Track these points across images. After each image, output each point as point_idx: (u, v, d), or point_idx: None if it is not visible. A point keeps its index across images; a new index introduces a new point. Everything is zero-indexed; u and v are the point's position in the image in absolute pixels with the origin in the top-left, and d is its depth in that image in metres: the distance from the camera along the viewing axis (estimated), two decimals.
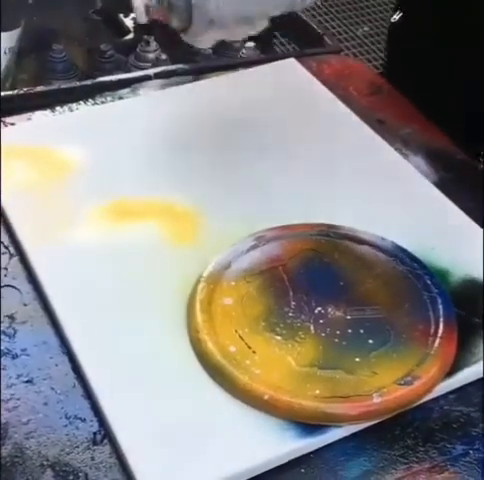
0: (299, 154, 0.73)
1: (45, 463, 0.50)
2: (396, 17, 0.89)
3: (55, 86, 0.87)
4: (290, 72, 0.83)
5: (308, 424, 0.52)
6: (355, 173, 0.71)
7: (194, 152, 0.73)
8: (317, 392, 0.53)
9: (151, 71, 0.87)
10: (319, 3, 2.27)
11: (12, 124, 0.77)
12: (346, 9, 2.26)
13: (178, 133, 0.74)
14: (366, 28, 2.20)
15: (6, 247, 0.65)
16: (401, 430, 0.53)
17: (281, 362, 0.54)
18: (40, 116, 0.78)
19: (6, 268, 0.63)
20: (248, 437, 0.51)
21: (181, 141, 0.74)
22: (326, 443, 0.52)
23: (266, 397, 0.52)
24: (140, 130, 0.75)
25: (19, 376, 0.55)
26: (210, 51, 1.07)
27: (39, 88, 0.84)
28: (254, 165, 0.71)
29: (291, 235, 0.64)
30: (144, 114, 0.77)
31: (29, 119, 0.78)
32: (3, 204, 0.67)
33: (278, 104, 0.78)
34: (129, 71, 0.94)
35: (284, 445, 0.51)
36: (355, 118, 0.77)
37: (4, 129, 0.76)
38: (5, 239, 0.66)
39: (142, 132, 0.75)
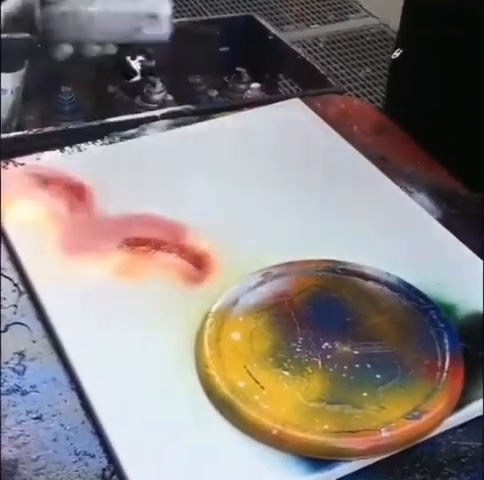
0: (305, 191, 0.74)
1: None
2: (396, 54, 0.91)
3: (64, 127, 0.89)
4: (295, 112, 0.84)
5: (316, 459, 0.52)
6: (360, 209, 0.72)
7: (202, 189, 0.74)
8: (326, 427, 0.53)
9: (157, 112, 0.88)
10: (321, 45, 2.32)
11: (22, 164, 0.78)
12: (348, 51, 2.30)
13: (187, 172, 0.76)
14: (368, 70, 2.24)
15: (15, 285, 0.66)
16: (410, 465, 0.53)
17: (289, 397, 0.55)
18: (49, 156, 0.80)
19: (15, 305, 0.64)
20: (257, 472, 0.51)
21: (190, 179, 0.75)
22: (335, 478, 0.52)
23: (275, 432, 0.52)
24: (148, 169, 0.76)
25: (29, 412, 0.56)
26: (215, 93, 1.10)
27: (48, 129, 0.86)
28: (260, 202, 0.72)
29: (298, 271, 0.65)
30: (152, 154, 0.78)
31: (38, 159, 0.79)
32: (13, 241, 0.68)
33: (284, 142, 0.79)
34: (136, 112, 0.96)
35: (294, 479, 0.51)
36: (360, 156, 0.78)
37: (14, 169, 0.77)
38: (15, 276, 0.66)
39: (150, 171, 0.76)
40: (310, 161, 0.77)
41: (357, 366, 0.57)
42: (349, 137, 0.82)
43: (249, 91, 1.07)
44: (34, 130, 0.85)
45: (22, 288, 0.65)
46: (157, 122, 0.86)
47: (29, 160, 0.79)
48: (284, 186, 0.74)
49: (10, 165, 0.78)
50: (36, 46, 1.00)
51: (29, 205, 0.72)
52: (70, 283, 0.64)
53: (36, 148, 0.80)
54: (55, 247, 0.67)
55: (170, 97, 1.06)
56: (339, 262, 0.65)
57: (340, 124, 0.84)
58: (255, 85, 1.07)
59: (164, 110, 0.89)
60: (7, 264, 0.68)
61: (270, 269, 0.65)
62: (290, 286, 0.63)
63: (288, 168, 0.76)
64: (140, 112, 0.96)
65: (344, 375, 0.56)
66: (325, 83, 0.96)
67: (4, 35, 0.83)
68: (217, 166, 0.76)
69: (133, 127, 0.84)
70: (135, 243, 0.68)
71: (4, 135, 0.81)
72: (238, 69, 1.09)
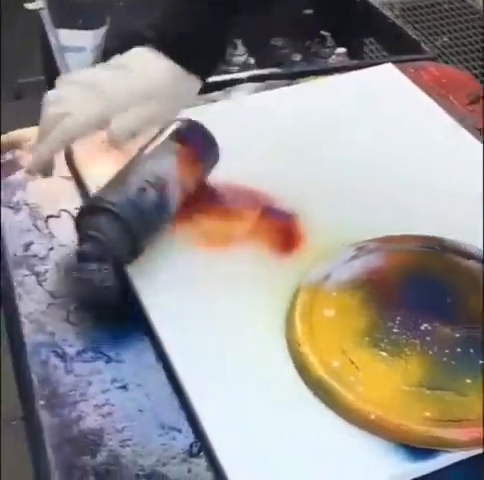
0: (401, 160, 0.70)
1: (141, 473, 0.49)
2: None
3: None
4: (388, 78, 0.80)
5: (416, 448, 0.49)
6: (457, 183, 0.68)
7: (295, 156, 0.70)
8: (427, 414, 0.50)
9: (243, 74, 0.85)
10: (397, 12, 2.25)
11: None
12: (425, 19, 2.22)
13: (278, 138, 0.72)
14: (445, 38, 2.16)
15: None
16: None
17: (387, 380, 0.52)
18: None
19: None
20: (351, 458, 0.49)
21: (282, 146, 0.71)
22: (434, 469, 0.49)
23: (373, 417, 0.49)
24: (237, 132, 0.73)
25: (113, 381, 0.54)
26: (299, 57, 1.06)
27: None
28: (354, 172, 0.69)
29: (394, 247, 0.61)
30: (240, 116, 0.75)
31: None
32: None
33: (377, 110, 0.75)
34: (217, 74, 0.93)
35: (390, 468, 0.48)
36: (458, 126, 0.74)
37: None
38: None
39: (239, 134, 0.73)
40: (405, 130, 0.73)
41: (459, 350, 0.53)
42: (445, 106, 0.77)
43: (334, 56, 1.03)
44: None
45: None
46: (242, 85, 0.83)
47: None
48: (379, 155, 0.70)
49: None
50: (118, 3, 0.98)
51: (113, 166, 0.70)
52: (155, 250, 0.62)
53: None
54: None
55: (252, 60, 1.03)
56: (438, 239, 0.61)
57: (435, 92, 0.79)
58: (341, 50, 1.03)
59: (250, 72, 0.85)
60: None
61: (365, 243, 0.61)
62: (386, 262, 0.60)
63: (382, 136, 0.72)
64: (221, 75, 0.93)
65: (445, 359, 0.53)
66: (417, 49, 0.92)
67: None
68: (308, 133, 0.73)
69: (218, 89, 0.81)
70: (224, 211, 0.65)
71: None
72: (322, 33, 1.05)
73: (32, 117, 0.66)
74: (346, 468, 0.48)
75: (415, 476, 0.49)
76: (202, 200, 0.65)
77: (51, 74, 0.94)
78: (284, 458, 0.48)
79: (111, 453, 0.50)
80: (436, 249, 0.61)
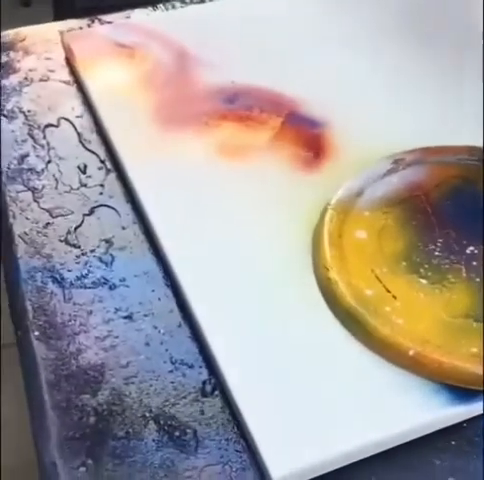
0: (440, 59, 0.62)
1: (147, 415, 0.43)
2: None
3: None
4: None
5: (461, 388, 0.43)
6: None
7: (317, 57, 0.62)
8: (473, 350, 0.43)
9: None
10: None
11: (109, 23, 0.68)
12: None
13: (298, 36, 0.64)
14: None
15: (102, 162, 0.57)
16: None
17: (428, 311, 0.45)
18: (140, 14, 0.69)
19: (102, 185, 0.55)
20: (389, 399, 0.43)
21: (302, 45, 0.63)
22: (481, 412, 0.43)
23: (411, 353, 0.43)
24: (255, 32, 0.65)
25: (117, 310, 0.48)
26: None
27: None
28: (387, 72, 0.61)
29: (436, 159, 0.54)
30: (258, 13, 0.67)
31: (128, 17, 0.69)
32: (99, 111, 0.59)
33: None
34: None
35: (432, 411, 0.42)
36: None
37: (100, 27, 0.67)
38: (101, 152, 0.58)
39: (257, 34, 0.65)
40: (442, 24, 0.65)
41: None
42: None
43: None
44: None
45: (110, 165, 0.57)
46: None
47: (117, 18, 0.69)
48: (414, 54, 0.62)
49: (95, 23, 0.68)
50: None
51: (118, 70, 0.62)
52: (165, 161, 0.55)
53: (125, 5, 0.70)
54: (148, 119, 0.58)
55: None
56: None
57: None
58: None
59: None
60: (93, 137, 0.59)
61: (402, 155, 0.54)
62: (426, 176, 0.53)
63: (418, 34, 0.64)
64: None
65: None
66: None
67: None
68: (330, 29, 0.65)
69: None
70: (240, 117, 0.58)
71: None
72: None
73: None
74: (381, 411, 0.42)
75: (459, 420, 0.43)
76: (213, 104, 0.58)
77: None
78: (310, 400, 0.42)
79: (114, 391, 0.44)
80: (481, 161, 0.53)
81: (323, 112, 0.58)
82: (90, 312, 0.48)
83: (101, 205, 0.54)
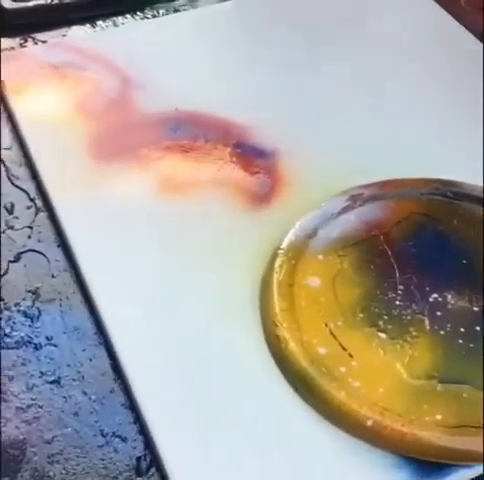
0: (405, 70, 0.58)
1: None
2: None
3: None
4: None
5: (425, 462, 0.38)
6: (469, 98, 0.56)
7: (269, 78, 0.58)
8: (438, 417, 0.39)
9: None
10: None
11: (43, 42, 0.63)
12: None
13: (250, 54, 0.59)
14: None
15: (31, 199, 0.52)
16: None
17: (387, 371, 0.41)
18: (78, 32, 0.64)
19: (30, 227, 0.50)
20: (344, 475, 0.38)
21: (255, 64, 0.59)
22: None
23: (369, 423, 0.38)
24: (201, 50, 0.60)
25: (42, 374, 0.43)
26: None
27: None
28: (345, 93, 0.56)
29: (395, 194, 0.49)
30: (206, 30, 0.62)
31: (64, 36, 0.63)
32: (27, 142, 0.53)
33: (378, 14, 0.63)
34: None
35: None
36: (466, 33, 0.61)
37: (33, 47, 0.62)
38: (31, 188, 0.52)
39: (203, 52, 0.60)
40: (410, 38, 0.61)
41: (478, 329, 0.42)
42: (454, 12, 0.64)
43: None
44: None
45: (40, 204, 0.51)
46: None
47: (53, 36, 0.63)
48: (376, 69, 0.58)
49: (29, 43, 0.63)
50: None
51: (51, 96, 0.57)
52: (100, 200, 0.50)
53: (62, 22, 0.65)
54: (83, 151, 0.53)
55: None
56: (450, 182, 0.49)
57: None
58: None
59: None
60: (21, 171, 0.53)
61: (359, 189, 0.49)
62: (386, 213, 0.48)
63: (384, 46, 0.60)
64: None
65: (461, 342, 0.42)
66: None
67: None
68: (286, 47, 0.60)
69: None
70: (184, 148, 0.53)
71: (22, 4, 0.64)
72: None
73: None
74: None
75: None
76: (152, 133, 0.53)
77: None
78: (258, 478, 0.38)
79: (36, 473, 0.39)
80: (448, 196, 0.49)
81: (273, 140, 0.53)
82: (12, 378, 0.42)
83: (29, 250, 0.49)
